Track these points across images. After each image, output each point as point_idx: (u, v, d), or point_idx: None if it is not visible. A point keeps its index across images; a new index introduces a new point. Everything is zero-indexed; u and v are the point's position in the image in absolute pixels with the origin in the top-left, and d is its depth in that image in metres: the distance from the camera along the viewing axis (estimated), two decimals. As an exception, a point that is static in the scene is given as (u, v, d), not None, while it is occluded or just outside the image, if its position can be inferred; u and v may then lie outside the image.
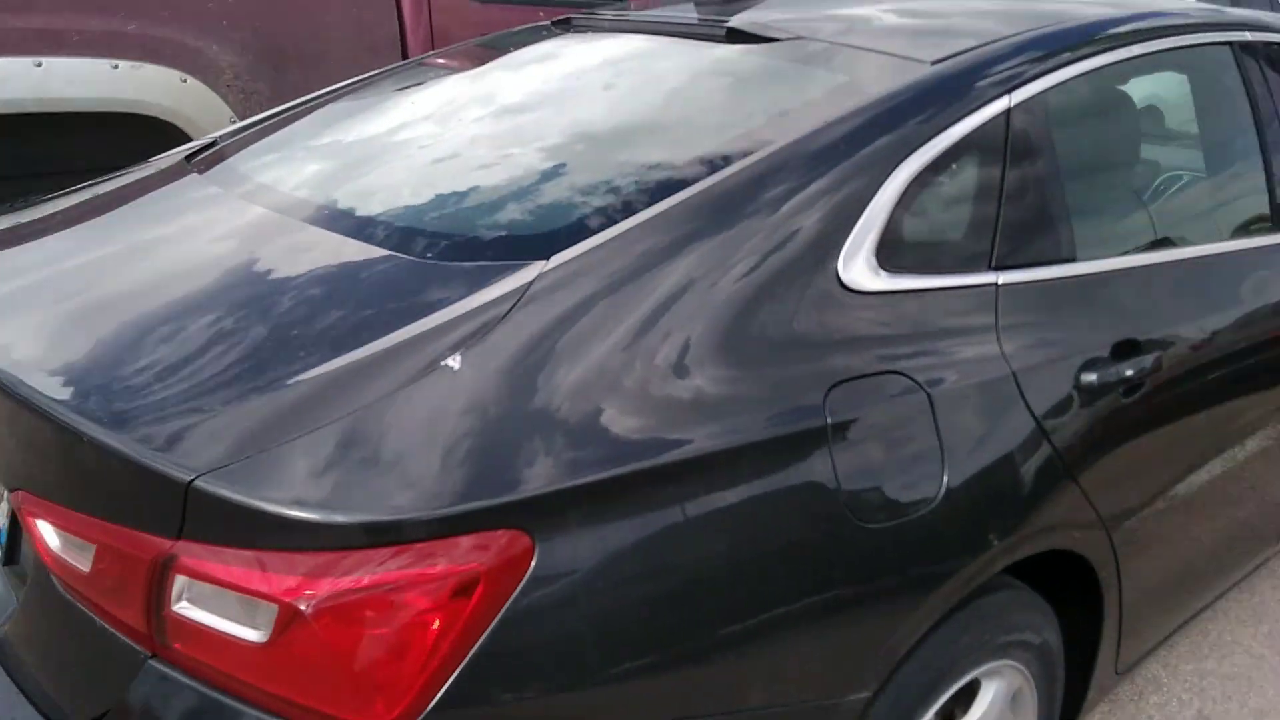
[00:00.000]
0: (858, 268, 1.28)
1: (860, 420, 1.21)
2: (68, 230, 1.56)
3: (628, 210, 1.26)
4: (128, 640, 1.02)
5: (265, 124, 2.02)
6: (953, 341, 1.34)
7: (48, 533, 1.08)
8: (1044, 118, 1.54)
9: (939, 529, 1.24)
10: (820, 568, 1.15)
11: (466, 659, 0.94)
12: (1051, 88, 1.56)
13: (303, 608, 0.91)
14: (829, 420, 1.18)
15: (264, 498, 0.92)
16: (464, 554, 0.94)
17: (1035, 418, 1.37)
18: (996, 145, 1.47)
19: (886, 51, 1.59)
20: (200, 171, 1.75)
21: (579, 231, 1.24)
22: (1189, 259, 1.74)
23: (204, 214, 1.50)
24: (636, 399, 1.08)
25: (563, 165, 1.43)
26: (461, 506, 0.94)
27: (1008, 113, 1.49)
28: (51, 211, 1.67)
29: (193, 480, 0.93)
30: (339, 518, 0.92)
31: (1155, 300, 1.63)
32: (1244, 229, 1.91)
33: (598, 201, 1.30)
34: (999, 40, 1.57)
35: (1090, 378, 1.44)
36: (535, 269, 1.17)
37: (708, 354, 1.14)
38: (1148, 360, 1.51)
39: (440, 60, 2.16)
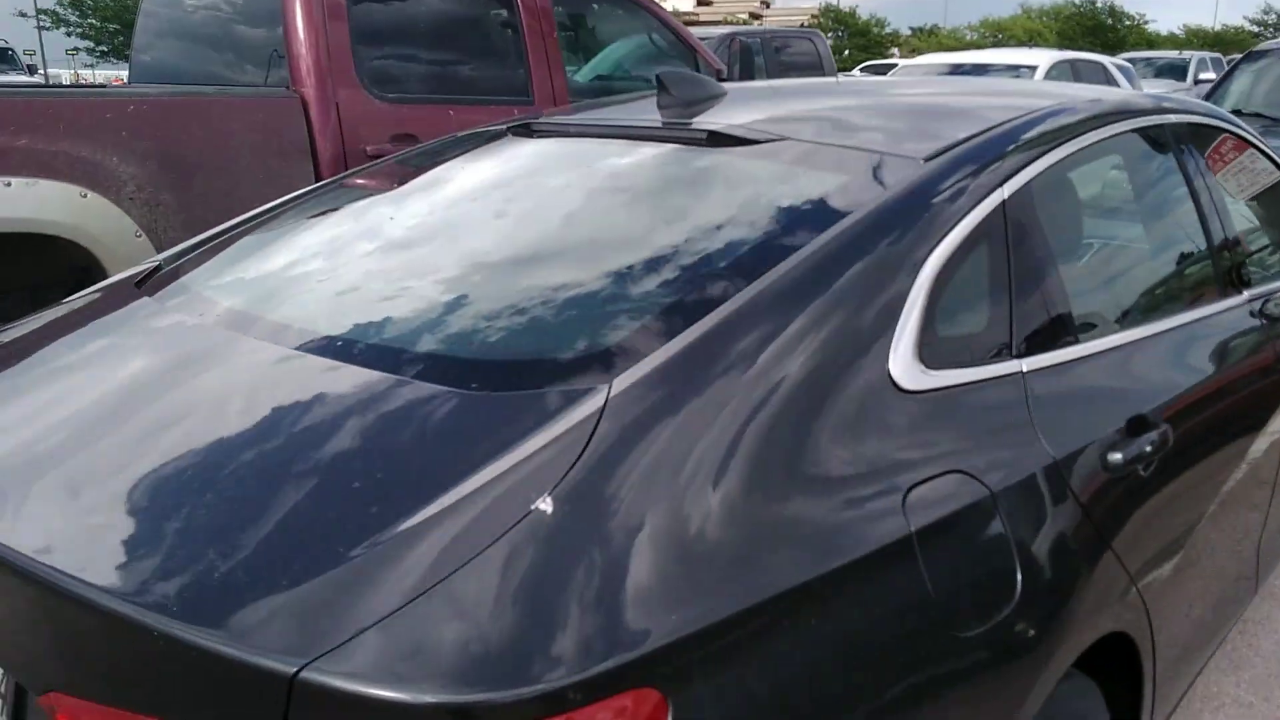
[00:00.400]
0: (906, 366, 1.28)
1: (938, 524, 1.19)
2: (36, 376, 1.41)
3: (676, 326, 1.22)
4: None
5: (225, 240, 1.90)
6: (998, 434, 1.34)
7: (91, 742, 0.95)
8: (1033, 205, 1.59)
9: (1023, 627, 1.22)
10: (931, 684, 1.11)
11: None
12: (1036, 176, 1.61)
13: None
14: (912, 528, 1.15)
15: (379, 684, 0.83)
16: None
17: (1080, 503, 1.38)
18: (999, 236, 1.51)
19: (876, 150, 1.62)
20: (162, 299, 1.62)
21: (633, 351, 1.19)
22: (1171, 328, 1.81)
23: (194, 348, 1.38)
24: (736, 529, 1.02)
25: (591, 280, 1.38)
26: (596, 669, 0.87)
27: (1003, 204, 1.53)
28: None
29: (298, 672, 0.83)
30: (471, 698, 0.83)
31: (1152, 370, 1.69)
32: (1205, 294, 2.02)
33: (642, 318, 1.26)
34: (979, 135, 1.62)
35: (1116, 456, 1.47)
36: (600, 395, 1.12)
37: (794, 472, 1.10)
38: (1155, 433, 1.56)
39: (406, 166, 2.09)
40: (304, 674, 0.83)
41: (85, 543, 1.00)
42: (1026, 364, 1.45)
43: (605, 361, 1.18)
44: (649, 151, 1.78)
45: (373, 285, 1.49)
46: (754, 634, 0.98)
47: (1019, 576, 1.23)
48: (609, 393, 1.11)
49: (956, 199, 1.47)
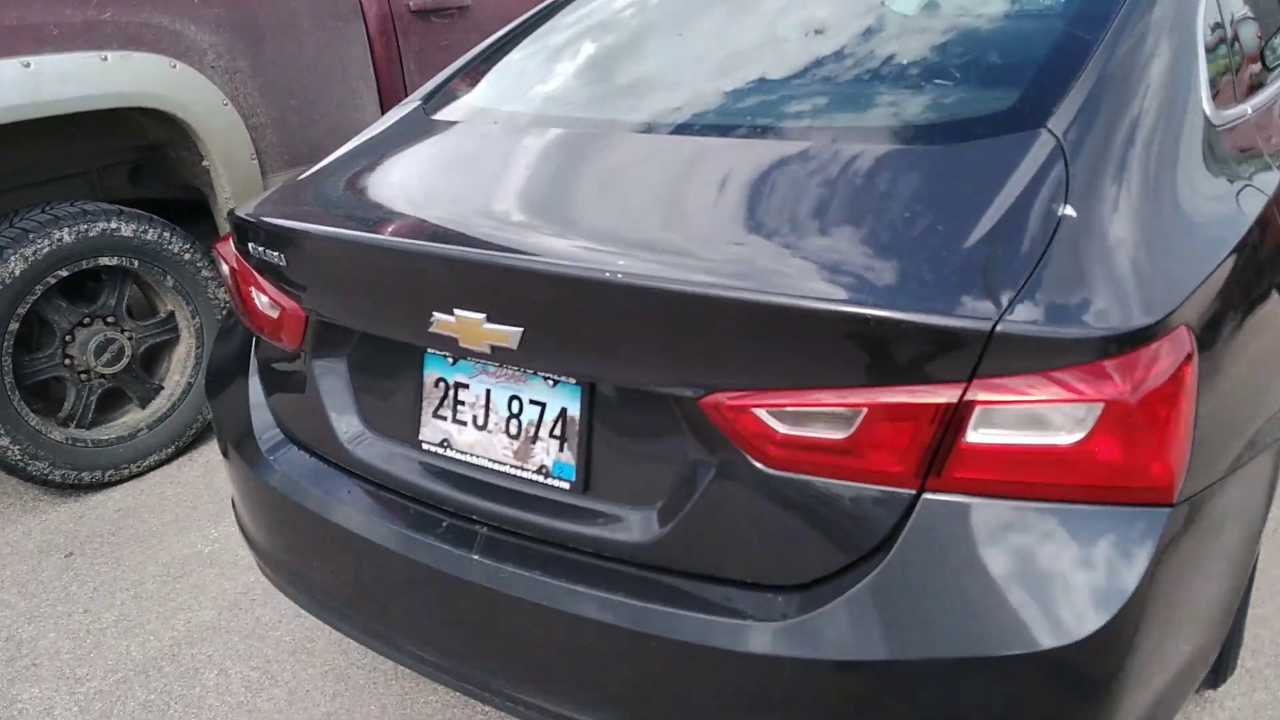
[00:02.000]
0: (1210, 106, 1.62)
1: (1273, 197, 1.58)
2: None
3: (1057, 81, 1.49)
4: (885, 488, 1.20)
5: (491, 68, 2.05)
6: (1265, 155, 1.71)
7: (768, 420, 1.22)
8: None
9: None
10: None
11: (1193, 419, 1.21)
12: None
13: (1118, 401, 1.12)
14: (1268, 198, 1.54)
15: (1050, 326, 1.12)
16: (1178, 345, 1.19)
17: None
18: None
19: None
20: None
21: (1044, 102, 1.45)
22: None
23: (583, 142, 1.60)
24: (1188, 210, 1.35)
25: (976, 45, 1.65)
26: (1169, 310, 1.18)
27: None
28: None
29: (995, 325, 1.11)
30: (1118, 329, 1.12)
31: None
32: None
33: (1036, 71, 1.52)
34: None
35: None
36: (1047, 135, 1.39)
37: (1207, 166, 1.46)
38: None
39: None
40: (1000, 326, 1.11)
41: (727, 260, 1.24)
42: (1250, 105, 1.81)
43: (1032, 108, 1.45)
44: None
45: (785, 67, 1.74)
46: (1215, 285, 1.32)
47: None
48: (1057, 133, 1.39)
49: None
